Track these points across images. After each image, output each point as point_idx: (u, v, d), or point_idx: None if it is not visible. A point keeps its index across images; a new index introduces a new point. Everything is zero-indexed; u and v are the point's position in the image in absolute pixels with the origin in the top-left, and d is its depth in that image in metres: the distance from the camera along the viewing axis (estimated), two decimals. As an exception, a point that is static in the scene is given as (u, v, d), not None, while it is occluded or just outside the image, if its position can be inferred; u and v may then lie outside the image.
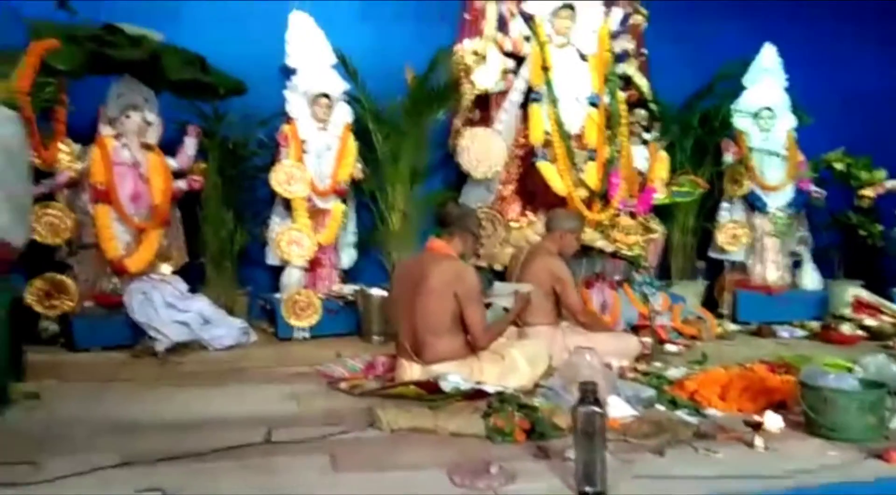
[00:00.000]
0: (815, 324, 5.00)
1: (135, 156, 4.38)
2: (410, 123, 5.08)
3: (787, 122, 5.45)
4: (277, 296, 4.71)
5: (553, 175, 4.91)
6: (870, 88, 5.92)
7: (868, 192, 5.47)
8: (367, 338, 4.59)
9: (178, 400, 3.15)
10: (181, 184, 4.57)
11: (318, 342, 4.54)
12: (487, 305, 3.43)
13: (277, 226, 4.83)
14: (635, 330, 4.52)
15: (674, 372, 3.52)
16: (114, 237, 4.27)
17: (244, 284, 5.02)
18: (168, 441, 2.51)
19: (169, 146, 4.60)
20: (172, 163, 4.55)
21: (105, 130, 4.33)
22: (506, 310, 3.39)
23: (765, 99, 5.37)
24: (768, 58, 5.40)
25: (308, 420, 2.80)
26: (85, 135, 4.33)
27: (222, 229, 4.73)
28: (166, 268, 4.48)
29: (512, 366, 3.19)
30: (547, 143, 4.94)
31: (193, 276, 4.69)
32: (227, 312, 4.55)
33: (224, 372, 3.73)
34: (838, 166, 5.67)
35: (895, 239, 5.49)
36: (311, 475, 2.21)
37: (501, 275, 5.05)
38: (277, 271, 4.90)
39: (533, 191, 5.14)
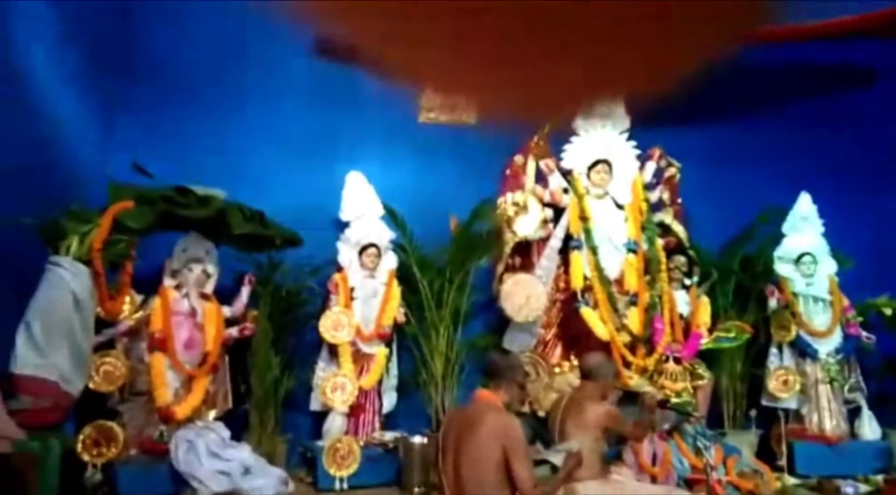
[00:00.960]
0: (879, 478, 4.72)
1: (192, 305, 4.57)
2: (454, 269, 5.26)
3: (828, 266, 5.48)
4: (319, 443, 4.68)
5: (595, 320, 4.95)
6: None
7: (920, 338, 5.35)
8: (408, 489, 4.47)
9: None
10: (233, 332, 4.71)
11: (357, 493, 4.43)
12: (537, 463, 3.35)
13: (322, 371, 4.90)
14: (689, 484, 4.31)
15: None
16: (165, 384, 4.37)
17: (285, 431, 5.01)
18: None
19: (224, 293, 4.81)
20: (227, 311, 4.73)
21: (168, 282, 4.56)
22: (555, 469, 3.30)
23: (804, 245, 5.45)
24: (805, 206, 5.55)
25: None
26: (149, 285, 4.56)
27: (269, 375, 4.80)
28: (211, 415, 4.53)
29: (564, 528, 3.06)
30: (587, 289, 5.03)
31: (236, 422, 4.70)
32: (267, 460, 4.51)
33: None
34: (887, 311, 5.60)
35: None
36: None
37: (544, 422, 4.96)
38: (319, 417, 4.89)
39: (575, 336, 5.16)
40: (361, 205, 5.11)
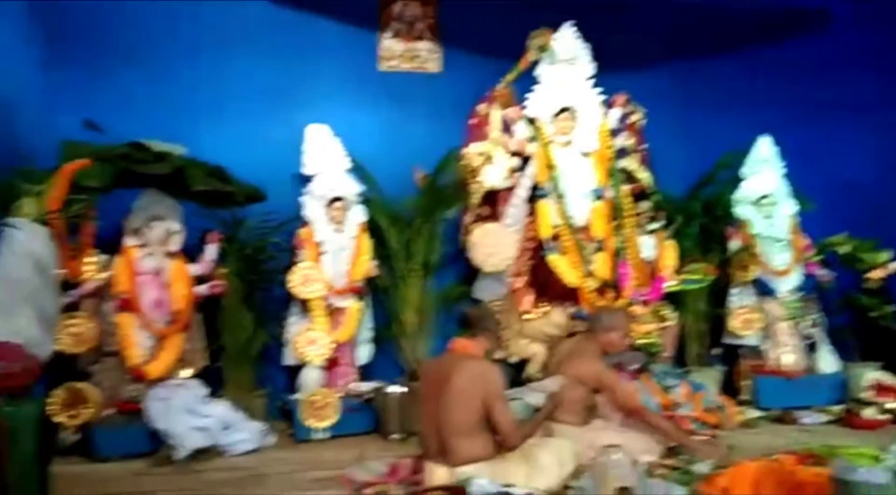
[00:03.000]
0: (837, 409, 4.95)
1: (158, 264, 4.50)
2: (422, 221, 5.24)
3: (788, 207, 5.59)
4: (295, 396, 4.71)
5: (564, 267, 5.02)
6: (869, 174, 6.23)
7: (875, 275, 5.55)
8: (387, 436, 4.56)
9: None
10: (203, 289, 4.65)
11: (338, 442, 4.50)
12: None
13: (294, 327, 4.90)
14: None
15: (701, 467, 3.47)
16: (135, 344, 4.32)
17: (262, 386, 5.02)
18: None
19: (191, 252, 4.73)
20: (194, 268, 4.66)
21: (129, 241, 4.46)
22: (536, 409, 3.39)
23: (764, 187, 5.53)
24: (764, 149, 5.60)
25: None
26: (111, 245, 4.46)
27: (241, 331, 4.78)
28: (186, 373, 4.51)
29: (539, 466, 3.17)
30: (556, 236, 5.08)
31: (212, 380, 4.69)
32: (247, 415, 4.53)
33: (246, 479, 3.70)
34: (842, 249, 5.76)
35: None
36: None
37: (517, 368, 5.06)
38: (295, 371, 4.91)
39: (545, 283, 5.21)
40: (325, 159, 5.02)
